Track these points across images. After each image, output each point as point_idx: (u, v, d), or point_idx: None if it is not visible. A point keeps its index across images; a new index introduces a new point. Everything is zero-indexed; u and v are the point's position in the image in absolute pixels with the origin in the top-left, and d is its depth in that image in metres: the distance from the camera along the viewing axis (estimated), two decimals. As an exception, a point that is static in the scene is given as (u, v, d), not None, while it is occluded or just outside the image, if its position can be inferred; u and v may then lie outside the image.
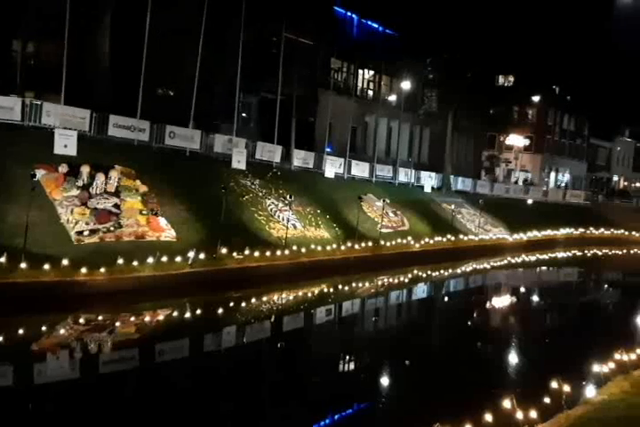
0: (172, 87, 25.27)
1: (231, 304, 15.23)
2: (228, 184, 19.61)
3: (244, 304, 15.41)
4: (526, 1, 39.12)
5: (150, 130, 20.96)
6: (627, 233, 40.33)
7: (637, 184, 72.34)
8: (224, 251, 16.35)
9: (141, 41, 20.25)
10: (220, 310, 14.61)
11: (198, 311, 14.43)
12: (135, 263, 14.34)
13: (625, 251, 36.60)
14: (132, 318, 13.34)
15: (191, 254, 15.40)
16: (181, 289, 14.62)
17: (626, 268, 32.37)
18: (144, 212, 16.53)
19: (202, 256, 15.66)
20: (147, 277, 14.30)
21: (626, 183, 70.30)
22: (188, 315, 14.21)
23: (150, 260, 14.62)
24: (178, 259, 15.16)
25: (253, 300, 15.90)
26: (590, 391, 8.14)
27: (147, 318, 13.54)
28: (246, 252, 16.82)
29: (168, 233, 16.50)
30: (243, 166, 22.25)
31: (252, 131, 27.95)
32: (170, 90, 25.61)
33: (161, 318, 13.90)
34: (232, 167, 21.91)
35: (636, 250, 37.29)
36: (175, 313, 14.22)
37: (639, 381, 8.46)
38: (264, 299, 16.31)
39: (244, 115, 28.38)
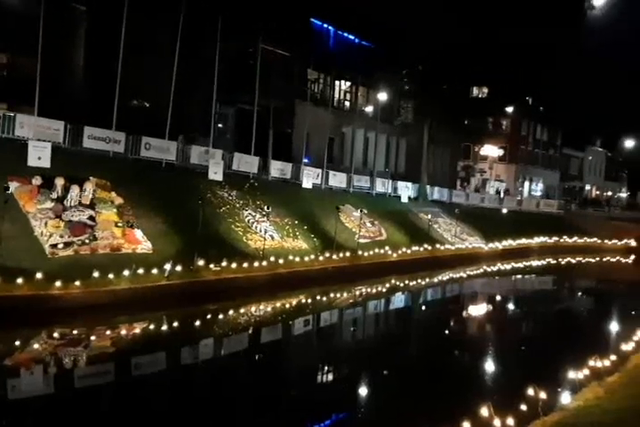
0: (147, 98, 25.19)
1: (208, 317, 15.14)
2: (205, 196, 19.57)
3: (221, 316, 15.34)
4: (499, 13, 39.86)
5: (126, 141, 20.84)
6: (599, 241, 41.04)
7: (609, 193, 73.80)
8: (201, 263, 16.28)
9: (117, 52, 20.19)
10: (198, 323, 14.51)
11: (175, 324, 14.30)
12: (111, 276, 14.21)
13: (597, 259, 37.23)
14: (108, 332, 13.18)
15: (168, 267, 15.30)
16: (158, 302, 14.50)
17: (598, 275, 32.91)
18: (120, 224, 16.40)
19: (178, 268, 15.56)
20: (123, 291, 14.17)
21: (598, 192, 71.69)
22: (164, 328, 14.09)
23: (126, 272, 14.50)
24: (154, 271, 15.05)
25: (231, 312, 15.82)
26: (566, 398, 8.26)
27: (123, 332, 13.39)
28: (223, 263, 16.76)
29: (144, 245, 16.38)
30: (220, 178, 22.22)
31: (229, 142, 27.98)
32: (145, 101, 25.52)
33: (137, 331, 13.75)
34: (209, 179, 21.87)
35: (608, 258, 37.96)
36: (152, 326, 14.08)
37: (613, 387, 8.60)
38: (242, 311, 16.22)
39: (220, 126, 28.39)
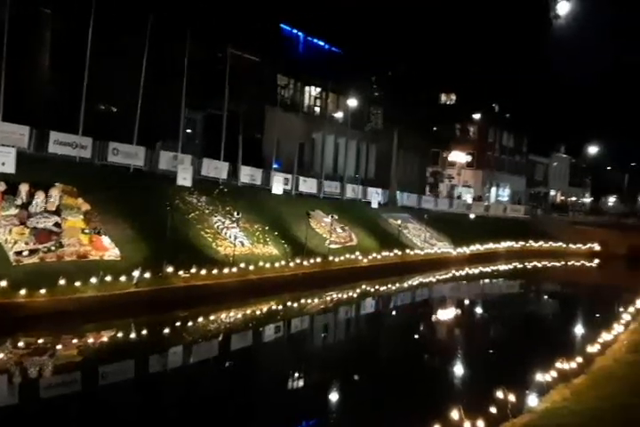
0: (115, 103, 24.89)
1: (177, 324, 14.98)
2: (174, 202, 19.39)
3: (190, 324, 15.19)
4: (467, 21, 40.53)
5: (93, 147, 20.55)
6: (564, 245, 41.93)
7: (573, 198, 75.48)
8: (170, 270, 16.12)
9: (83, 56, 19.93)
10: (167, 331, 14.35)
11: (144, 332, 14.15)
12: (77, 284, 13.97)
13: (563, 263, 38.02)
14: (75, 341, 12.95)
15: (136, 274, 15.11)
16: (127, 310, 14.30)
17: (564, 279, 33.64)
18: (86, 231, 16.14)
19: (147, 275, 15.39)
20: (90, 298, 13.94)
21: (563, 197, 73.24)
22: (132, 336, 13.91)
23: (93, 280, 14.27)
24: (122, 278, 14.85)
25: (201, 319, 15.69)
26: (534, 400, 8.39)
27: (90, 341, 13.18)
28: (193, 270, 16.63)
29: (112, 252, 16.16)
30: (188, 183, 22.06)
31: (198, 147, 27.80)
32: (113, 106, 25.21)
33: (105, 339, 13.54)
34: (178, 184, 21.69)
35: (573, 262, 38.81)
36: (120, 334, 13.88)
37: (579, 389, 8.78)
38: (211, 318, 16.10)
39: (189, 131, 28.21)
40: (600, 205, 76.59)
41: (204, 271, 16.84)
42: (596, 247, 42.27)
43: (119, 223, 17.38)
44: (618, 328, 12.84)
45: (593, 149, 70.23)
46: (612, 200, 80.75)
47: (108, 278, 14.57)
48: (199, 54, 25.28)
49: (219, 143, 25.40)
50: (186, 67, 23.01)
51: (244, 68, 27.75)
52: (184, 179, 22.08)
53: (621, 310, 16.96)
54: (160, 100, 24.33)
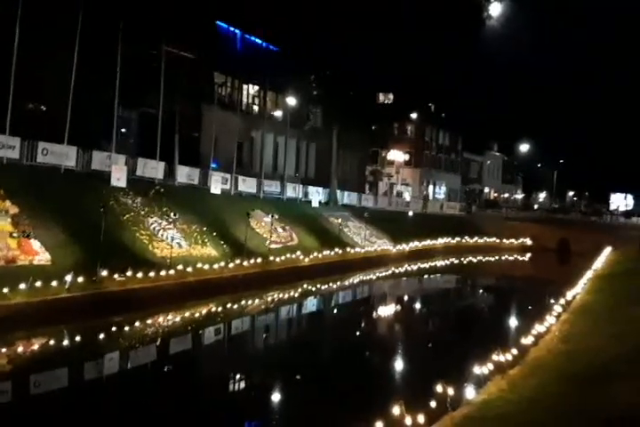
0: (45, 102, 23.90)
1: (113, 329, 14.53)
2: (108, 203, 18.80)
3: (127, 329, 14.77)
4: (401, 22, 41.08)
5: (21, 147, 19.70)
6: (498, 241, 43.35)
7: (506, 195, 78.16)
8: (104, 273, 15.61)
9: (10, 53, 19.03)
10: (101, 336, 13.93)
11: (77, 339, 13.66)
12: (5, 290, 13.32)
13: (497, 257, 39.32)
14: (3, 350, 12.33)
15: (68, 278, 14.55)
16: (59, 316, 13.73)
17: (498, 273, 34.81)
18: (15, 234, 15.44)
19: (80, 280, 14.83)
20: (19, 305, 13.30)
21: (496, 194, 75.75)
22: (65, 343, 13.41)
23: (23, 286, 13.64)
24: (54, 284, 14.26)
25: (137, 323, 15.28)
26: (472, 392, 8.56)
27: (19, 349, 12.60)
28: (128, 273, 16.17)
29: (42, 256, 15.51)
30: (123, 184, 21.45)
31: (133, 147, 27.10)
32: (42, 105, 24.20)
33: (35, 347, 12.99)
34: (112, 185, 21.07)
35: (506, 256, 40.19)
36: (52, 342, 13.36)
37: (515, 379, 9.03)
38: (148, 322, 15.71)
39: (123, 130, 27.44)
40: (531, 200, 79.75)
41: (140, 274, 16.40)
42: (528, 242, 43.93)
43: (50, 226, 16.70)
44: (550, 319, 13.29)
45: (524, 147, 72.97)
46: (542, 196, 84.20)
47: (39, 284, 13.96)
48: (133, 51, 24.59)
49: (154, 142, 24.83)
50: (119, 64, 22.34)
51: (179, 66, 27.19)
52: (118, 179, 21.46)
53: (552, 301, 17.64)
54: (92, 99, 23.56)
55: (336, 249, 27.41)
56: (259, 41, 38.63)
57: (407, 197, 52.97)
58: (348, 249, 28.87)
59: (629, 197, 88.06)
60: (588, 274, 23.13)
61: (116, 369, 12.48)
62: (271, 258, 22.54)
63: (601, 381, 8.38)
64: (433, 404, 7.80)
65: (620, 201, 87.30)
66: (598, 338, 11.45)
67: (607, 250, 34.37)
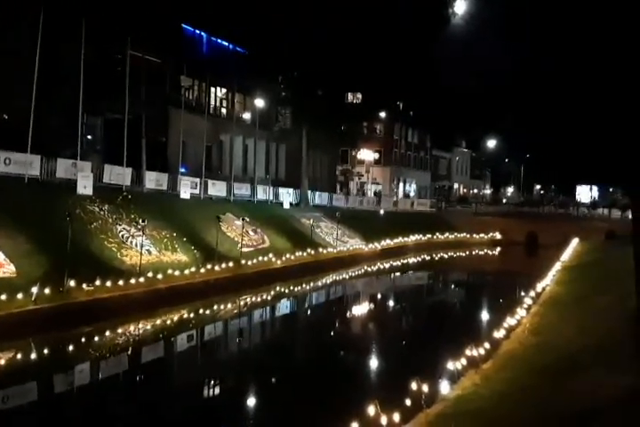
0: (5, 110, 23.37)
1: (82, 340, 14.26)
2: (74, 211, 18.44)
3: (96, 339, 14.51)
4: (367, 21, 41.20)
5: (-19, 157, 19.22)
6: (468, 236, 43.86)
7: (475, 190, 79.15)
8: (72, 283, 15.30)
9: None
10: (70, 348, 13.67)
11: (45, 351, 13.38)
12: (-32, 304, 12.99)
13: (467, 252, 39.79)
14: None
15: (35, 290, 14.23)
16: (26, 328, 13.42)
17: (468, 268, 35.23)
18: (-23, 247, 15.04)
19: (47, 291, 14.51)
20: (-18, 319, 12.98)
21: (465, 190, 76.66)
22: (33, 356, 13.11)
23: (-14, 299, 13.31)
24: (20, 296, 13.93)
25: (107, 333, 15.01)
26: (446, 388, 8.62)
27: (-16, 364, 12.29)
28: (97, 282, 15.88)
29: (7, 268, 15.11)
30: (89, 192, 21.09)
31: (99, 153, 26.70)
32: (3, 113, 23.67)
33: (2, 362, 12.66)
34: (78, 193, 20.69)
35: (477, 251, 40.69)
36: (19, 355, 13.06)
37: (488, 373, 9.13)
38: (119, 331, 15.46)
39: (89, 137, 27.02)
40: (499, 195, 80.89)
41: (109, 283, 16.13)
42: (498, 236, 44.54)
43: (14, 237, 16.30)
44: (521, 312, 13.50)
45: (491, 143, 73.97)
46: (510, 190, 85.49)
47: (3, 297, 13.63)
48: (97, 56, 24.26)
49: (121, 148, 24.48)
50: (82, 69, 21.95)
51: (144, 70, 26.90)
52: (84, 187, 21.10)
53: (523, 294, 17.91)
54: (56, 106, 23.13)
55: (308, 250, 27.38)
56: (225, 43, 38.43)
57: (377, 195, 53.20)
58: (321, 250, 28.87)
59: (595, 188, 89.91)
60: (557, 265, 23.55)
61: (87, 381, 12.27)
62: (243, 261, 22.41)
63: (570, 373, 8.53)
64: (408, 402, 7.84)
65: (586, 193, 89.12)
66: (567, 329, 11.66)
67: (574, 241, 35.05)
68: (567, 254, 28.71)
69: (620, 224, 42.55)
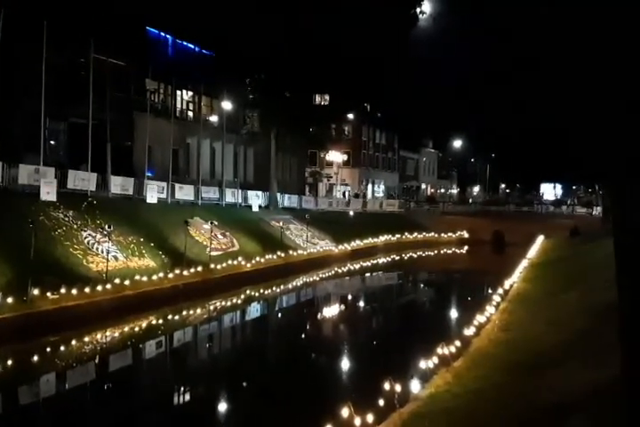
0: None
1: (47, 350, 13.92)
2: (37, 218, 17.98)
3: (62, 348, 14.18)
4: (333, 23, 41.28)
5: (-62, 164, 18.61)
6: (436, 235, 44.29)
7: (442, 190, 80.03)
8: (36, 292, 14.91)
9: None
10: (35, 358, 13.32)
11: (9, 362, 12.99)
12: None
13: (436, 251, 40.18)
14: None
15: (-3, 300, 13.83)
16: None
17: (437, 267, 35.54)
18: None
19: (10, 300, 14.12)
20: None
21: (432, 190, 77.45)
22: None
23: (-54, 311, 12.88)
24: (-19, 307, 13.54)
25: (74, 342, 14.69)
26: (419, 387, 8.64)
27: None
28: (62, 290, 15.50)
29: (-33, 278, 14.67)
30: (53, 198, 20.60)
31: (63, 159, 26.14)
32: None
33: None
34: (41, 199, 20.19)
35: (445, 250, 41.12)
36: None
37: (459, 371, 9.19)
38: (86, 340, 15.12)
39: (52, 142, 26.44)
40: (466, 195, 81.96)
41: (75, 291, 15.77)
42: (465, 235, 45.10)
43: (-26, 246, 15.82)
44: (490, 309, 13.64)
45: (457, 143, 74.91)
46: (476, 190, 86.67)
47: (-36, 308, 13.22)
48: (59, 59, 23.75)
49: (85, 153, 23.99)
50: (44, 73, 21.44)
51: (108, 74, 26.46)
52: (48, 193, 20.60)
53: (491, 291, 18.13)
54: (17, 111, 22.57)
55: (278, 253, 27.27)
56: (191, 46, 38.06)
57: (346, 196, 53.35)
58: (291, 252, 28.78)
59: (558, 186, 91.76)
60: (524, 263, 23.92)
61: (53, 392, 11.95)
62: (212, 266, 22.18)
63: (539, 369, 8.62)
64: (381, 402, 7.84)
65: (550, 191, 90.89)
66: (535, 325, 11.81)
67: (540, 239, 35.67)
68: (533, 252, 29.19)
69: (583, 221, 43.53)
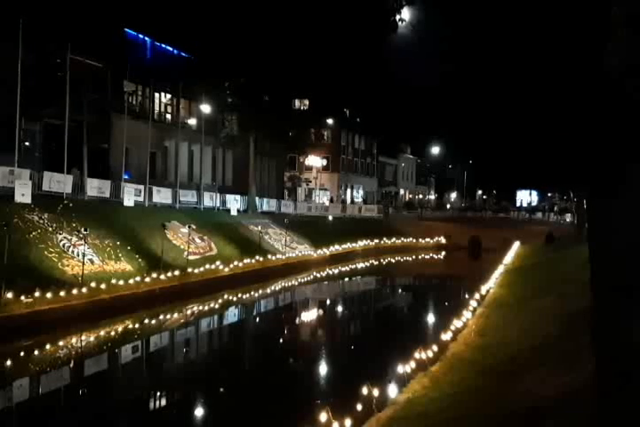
0: None
1: (21, 355, 13.66)
2: (11, 221, 17.68)
3: (36, 353, 13.93)
4: (312, 28, 41.37)
5: None
6: (414, 240, 44.62)
7: (420, 196, 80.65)
8: (10, 295, 14.66)
9: None
10: (8, 363, 13.06)
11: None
12: None
13: (414, 257, 40.43)
14: None
15: (-32, 303, 13.57)
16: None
17: (415, 272, 35.81)
18: None
19: (-18, 304, 13.88)
20: None
21: (411, 196, 78.02)
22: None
23: None
24: (-48, 310, 13.26)
25: (48, 346, 14.45)
26: (397, 392, 8.67)
27: None
28: (37, 294, 15.26)
29: (-62, 282, 14.35)
30: (28, 200, 20.28)
31: (38, 160, 25.77)
32: None
33: None
34: (16, 202, 19.86)
35: (423, 255, 41.40)
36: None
37: (436, 376, 9.24)
38: (60, 344, 14.88)
39: (27, 143, 26.04)
40: (444, 200, 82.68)
41: (49, 294, 15.53)
42: (443, 240, 45.51)
43: (-54, 249, 15.49)
44: (467, 314, 13.76)
45: (435, 150, 75.58)
46: (453, 196, 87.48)
47: None
48: (35, 60, 23.41)
49: (61, 155, 23.68)
50: (19, 74, 21.13)
51: (86, 75, 26.21)
52: (22, 195, 20.27)
53: (468, 296, 18.30)
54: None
55: (257, 257, 27.18)
56: (170, 48, 37.85)
57: (327, 201, 53.42)
58: (270, 256, 28.72)
59: (534, 193, 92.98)
60: (500, 268, 24.20)
61: (26, 396, 11.73)
62: (190, 270, 22.02)
63: (515, 374, 8.71)
64: (359, 406, 7.85)
65: (526, 197, 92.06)
66: (512, 330, 11.94)
67: (516, 245, 36.14)
68: (509, 257, 29.55)
69: (558, 227, 44.23)
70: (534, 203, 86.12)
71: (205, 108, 33.76)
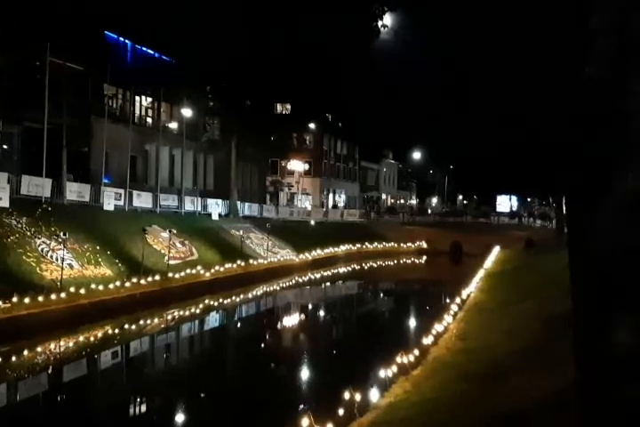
0: None
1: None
2: (-11, 225, 17.45)
3: (13, 359, 13.72)
4: (295, 31, 41.41)
5: None
6: (396, 245, 44.79)
7: (402, 201, 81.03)
8: (-14, 301, 14.44)
9: None
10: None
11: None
12: None
13: (396, 261, 40.59)
14: None
15: (-57, 309, 13.31)
16: None
17: (397, 276, 35.91)
18: None
19: (-42, 310, 13.63)
20: None
21: (392, 200, 78.38)
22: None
23: None
24: None
25: (25, 352, 14.24)
26: (379, 396, 8.67)
27: None
28: (14, 299, 15.01)
29: None
30: (6, 204, 19.98)
31: (17, 164, 25.42)
32: None
33: None
34: (-7, 206, 19.59)
35: (404, 259, 41.58)
36: None
37: (418, 380, 9.26)
38: (38, 350, 14.67)
39: (5, 147, 25.70)
40: (425, 205, 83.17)
41: (27, 299, 15.29)
42: (424, 245, 45.75)
43: None
44: (448, 318, 13.83)
45: (416, 155, 76.08)
46: (434, 201, 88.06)
47: None
48: (13, 62, 23.12)
49: (40, 159, 23.39)
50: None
51: (65, 78, 25.87)
52: (0, 199, 19.97)
53: (449, 301, 18.40)
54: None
55: (238, 262, 27.06)
56: (151, 51, 37.64)
57: (308, 206, 53.42)
58: (251, 261, 28.60)
59: (514, 198, 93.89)
60: (480, 273, 24.38)
61: (3, 403, 11.52)
62: (170, 274, 21.85)
63: (497, 377, 8.76)
64: (341, 411, 7.83)
65: (506, 202, 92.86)
66: (493, 334, 12.02)
67: (496, 249, 36.45)
68: (490, 262, 29.78)
69: (538, 233, 44.72)
70: (515, 208, 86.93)
71: (187, 112, 33.61)
